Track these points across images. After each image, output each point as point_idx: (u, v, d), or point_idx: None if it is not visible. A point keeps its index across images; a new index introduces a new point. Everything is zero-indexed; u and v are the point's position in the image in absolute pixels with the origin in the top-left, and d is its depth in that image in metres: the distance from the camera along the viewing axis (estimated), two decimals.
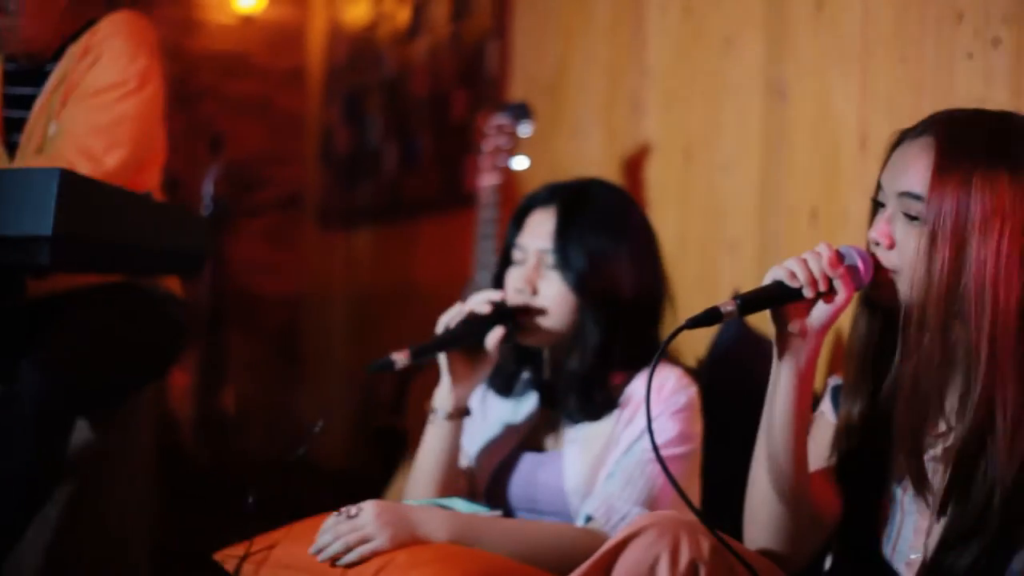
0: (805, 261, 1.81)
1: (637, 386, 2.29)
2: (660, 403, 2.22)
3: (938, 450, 1.84)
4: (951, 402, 1.82)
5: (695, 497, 2.24)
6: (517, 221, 2.40)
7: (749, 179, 3.27)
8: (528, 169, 4.11)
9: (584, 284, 2.28)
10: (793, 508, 1.88)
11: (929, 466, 1.84)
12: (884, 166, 1.89)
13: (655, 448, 1.70)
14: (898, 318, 1.83)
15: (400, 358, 2.16)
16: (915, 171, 1.81)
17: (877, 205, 1.88)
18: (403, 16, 5.19)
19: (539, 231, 2.35)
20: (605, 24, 3.88)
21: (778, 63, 3.18)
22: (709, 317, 1.76)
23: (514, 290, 2.33)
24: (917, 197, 1.79)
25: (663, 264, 2.41)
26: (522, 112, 3.24)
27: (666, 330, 2.37)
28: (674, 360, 2.33)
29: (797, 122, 3.09)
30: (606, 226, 2.31)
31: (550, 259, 2.32)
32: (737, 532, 1.95)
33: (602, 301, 2.28)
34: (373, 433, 4.32)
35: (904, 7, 2.81)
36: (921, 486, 1.83)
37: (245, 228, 5.76)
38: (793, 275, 1.80)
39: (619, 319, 2.29)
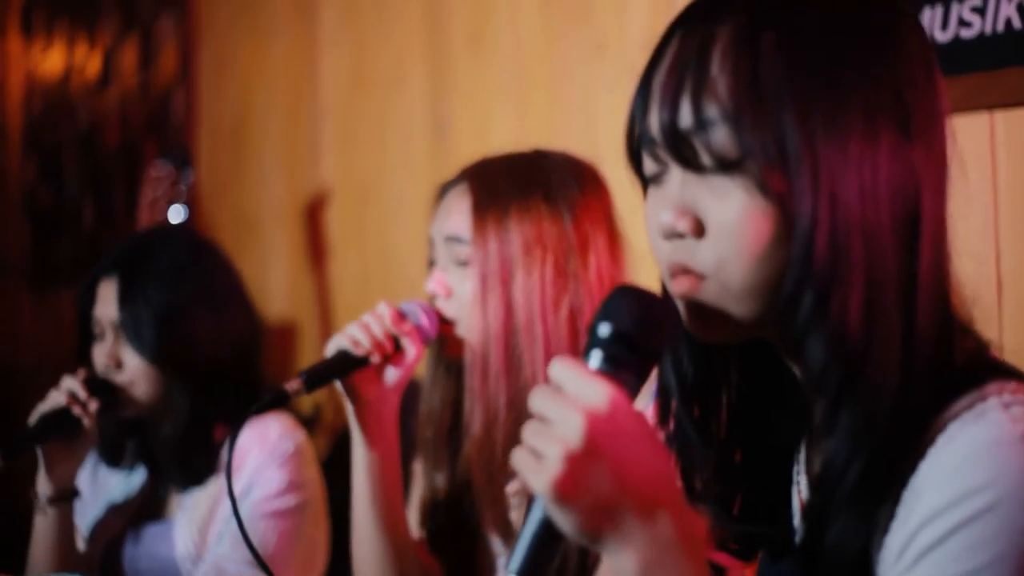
0: (367, 326, 1.74)
1: (241, 438, 2.16)
2: (265, 453, 2.11)
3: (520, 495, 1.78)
4: None
5: (321, 548, 2.14)
6: (87, 292, 2.24)
7: (420, 217, 3.19)
8: (215, 218, 3.98)
9: (160, 354, 2.15)
10: (398, 571, 1.80)
11: (512, 511, 1.79)
12: (432, 220, 1.86)
13: (237, 517, 1.59)
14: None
15: None
16: (457, 215, 1.79)
17: (432, 263, 1.85)
18: (94, 66, 5.00)
19: (107, 302, 2.20)
20: (281, 65, 3.78)
21: (441, 98, 3.13)
22: (276, 400, 1.68)
23: (101, 367, 2.18)
24: (461, 240, 1.76)
25: (250, 301, 2.29)
26: (182, 158, 3.10)
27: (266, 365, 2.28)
28: (284, 407, 2.20)
29: (460, 156, 3.04)
30: (174, 285, 2.18)
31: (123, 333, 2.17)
32: None
33: (185, 365, 2.16)
34: None
35: (554, 39, 2.80)
36: (504, 532, 1.78)
37: None
38: (357, 342, 1.72)
39: (209, 377, 2.17)
